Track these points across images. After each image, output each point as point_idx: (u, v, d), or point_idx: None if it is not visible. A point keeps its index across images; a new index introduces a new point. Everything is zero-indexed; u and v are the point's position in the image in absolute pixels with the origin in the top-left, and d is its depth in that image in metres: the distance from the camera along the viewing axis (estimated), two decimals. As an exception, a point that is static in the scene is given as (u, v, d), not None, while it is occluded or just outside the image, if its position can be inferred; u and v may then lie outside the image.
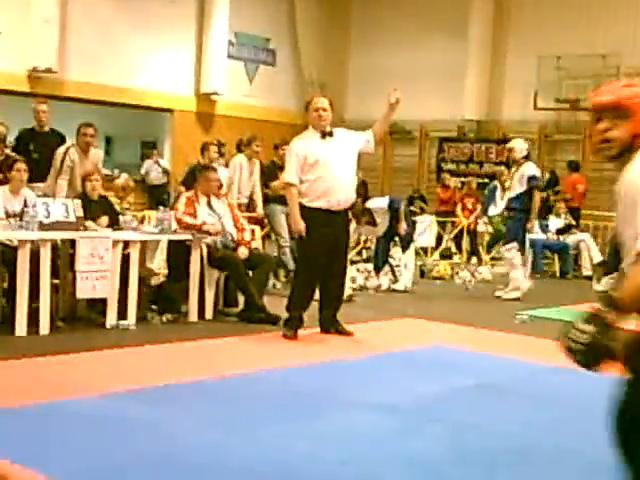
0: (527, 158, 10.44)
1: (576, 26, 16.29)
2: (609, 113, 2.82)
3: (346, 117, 16.90)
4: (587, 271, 13.46)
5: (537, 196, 10.31)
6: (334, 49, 19.45)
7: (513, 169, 10.63)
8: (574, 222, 14.11)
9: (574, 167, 15.30)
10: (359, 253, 11.21)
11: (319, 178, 7.07)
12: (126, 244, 7.33)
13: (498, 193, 14.14)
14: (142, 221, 8.29)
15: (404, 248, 10.51)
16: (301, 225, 7.10)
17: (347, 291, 9.17)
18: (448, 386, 5.78)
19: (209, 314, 7.80)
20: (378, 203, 10.66)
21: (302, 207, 7.13)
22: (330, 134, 7.22)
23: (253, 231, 8.54)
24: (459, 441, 4.55)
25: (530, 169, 10.35)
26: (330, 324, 7.37)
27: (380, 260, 10.65)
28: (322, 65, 19.05)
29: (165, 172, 16.25)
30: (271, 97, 18.22)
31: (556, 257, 13.69)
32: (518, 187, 10.28)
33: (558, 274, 13.40)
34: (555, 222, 13.87)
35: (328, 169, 7.08)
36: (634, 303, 2.62)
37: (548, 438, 4.69)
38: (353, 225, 10.02)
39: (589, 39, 15.97)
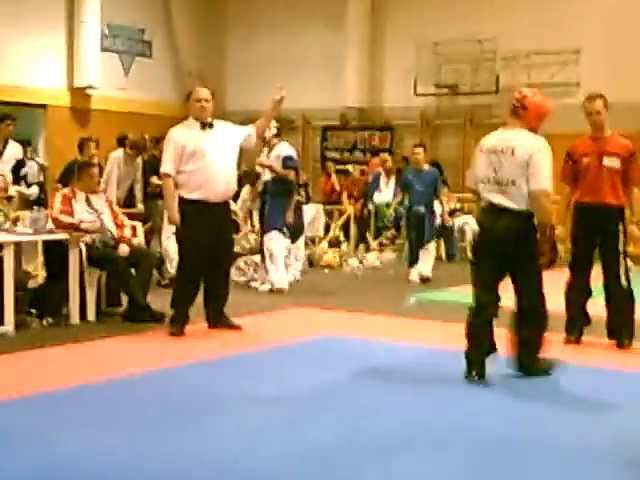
0: (278, 137, 9.54)
1: (452, 12, 16.49)
2: None
3: (227, 108, 16.66)
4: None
5: (289, 176, 9.48)
6: (212, 39, 19.19)
7: (266, 151, 9.58)
8: (458, 206, 14.28)
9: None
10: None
11: (197, 169, 6.93)
12: (-1, 247, 6.98)
13: (382, 179, 14.25)
14: (16, 221, 7.90)
15: (293, 239, 9.92)
16: (176, 216, 6.94)
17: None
18: (339, 375, 5.72)
19: (91, 315, 7.51)
20: None
21: (180, 199, 6.98)
22: (210, 125, 7.09)
23: (134, 227, 8.27)
24: (352, 428, 4.52)
25: (284, 149, 9.52)
26: (217, 319, 7.22)
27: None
28: (200, 56, 18.78)
29: (41, 169, 15.64)
30: (148, 90, 17.81)
31: (441, 241, 13.81)
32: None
33: (444, 257, 13.52)
34: (438, 207, 13.96)
35: (207, 160, 6.95)
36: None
37: (438, 420, 4.69)
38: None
39: (466, 24, 16.19)
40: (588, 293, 6.88)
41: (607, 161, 6.69)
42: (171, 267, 9.29)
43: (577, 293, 6.83)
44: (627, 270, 6.75)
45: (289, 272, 10.00)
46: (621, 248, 6.69)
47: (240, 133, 7.27)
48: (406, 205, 10.94)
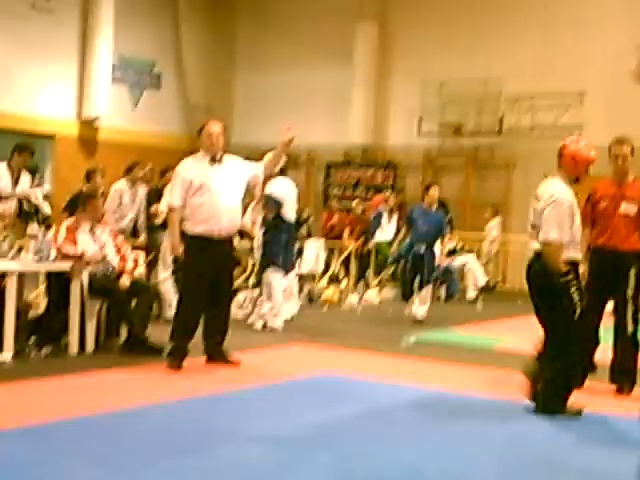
0: (282, 173, 9.45)
1: (458, 53, 16.63)
2: None
3: (232, 141, 16.76)
4: (472, 293, 13.67)
5: (268, 215, 9.53)
6: (220, 73, 19.37)
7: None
8: (459, 246, 14.29)
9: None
10: (247, 279, 11.09)
11: (203, 203, 6.97)
12: (2, 275, 7.03)
13: (384, 217, 14.29)
14: (20, 250, 7.95)
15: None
16: (179, 249, 6.99)
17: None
18: (337, 415, 5.71)
19: (90, 346, 7.53)
20: None
21: (183, 232, 7.04)
22: (220, 160, 7.14)
23: (136, 259, 8.31)
24: (347, 470, 4.49)
25: (271, 186, 9.36)
26: (216, 353, 7.23)
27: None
28: (208, 89, 18.94)
29: (46, 197, 15.71)
30: (156, 122, 17.96)
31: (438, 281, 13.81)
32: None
33: (443, 297, 13.52)
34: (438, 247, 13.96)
35: (213, 195, 6.99)
36: None
37: (436, 463, 4.68)
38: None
39: (471, 66, 16.33)
40: (596, 342, 6.79)
41: (624, 206, 6.68)
42: (169, 309, 9.24)
43: (584, 341, 6.72)
44: (636, 316, 6.67)
45: (288, 309, 9.98)
46: (630, 293, 6.64)
47: (249, 170, 7.30)
48: (407, 243, 10.83)
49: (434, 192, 10.66)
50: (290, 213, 9.63)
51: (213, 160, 7.10)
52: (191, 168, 7.12)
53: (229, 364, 7.19)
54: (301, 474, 4.39)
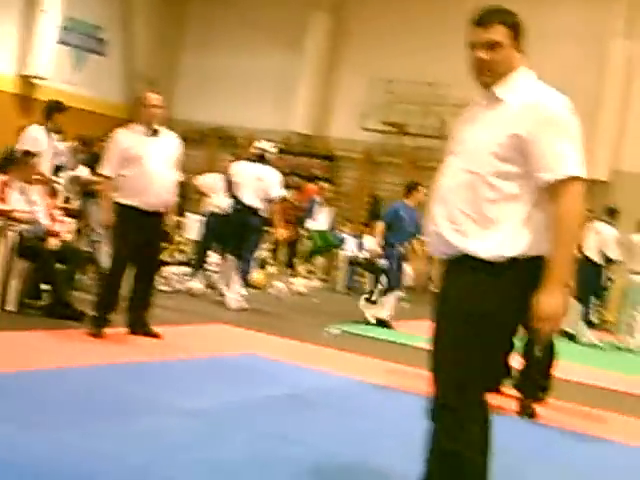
0: (261, 160, 10.06)
1: (409, 53, 16.75)
2: None
3: (173, 116, 16.63)
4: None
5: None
6: (168, 45, 19.18)
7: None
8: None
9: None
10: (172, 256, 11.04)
11: (136, 175, 6.87)
12: None
13: (317, 207, 14.35)
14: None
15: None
16: (111, 219, 6.91)
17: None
18: (256, 395, 5.74)
19: (12, 305, 7.40)
20: None
21: (115, 203, 6.94)
22: (156, 132, 7.06)
23: (66, 223, 8.20)
24: (263, 449, 4.50)
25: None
26: (138, 325, 7.18)
27: (199, 263, 10.56)
28: (154, 60, 18.74)
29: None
30: (97, 87, 17.69)
31: (367, 274, 13.97)
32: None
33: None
34: (370, 241, 14.11)
35: (147, 167, 6.90)
36: None
37: (352, 450, 4.72)
38: None
39: (421, 67, 16.45)
40: (510, 346, 6.88)
41: None
42: None
43: None
44: None
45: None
46: None
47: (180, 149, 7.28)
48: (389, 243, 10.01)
49: (422, 192, 9.96)
50: (246, 197, 9.66)
51: (150, 132, 7.03)
52: (127, 138, 7.02)
53: (151, 336, 7.14)
54: (216, 449, 4.38)
